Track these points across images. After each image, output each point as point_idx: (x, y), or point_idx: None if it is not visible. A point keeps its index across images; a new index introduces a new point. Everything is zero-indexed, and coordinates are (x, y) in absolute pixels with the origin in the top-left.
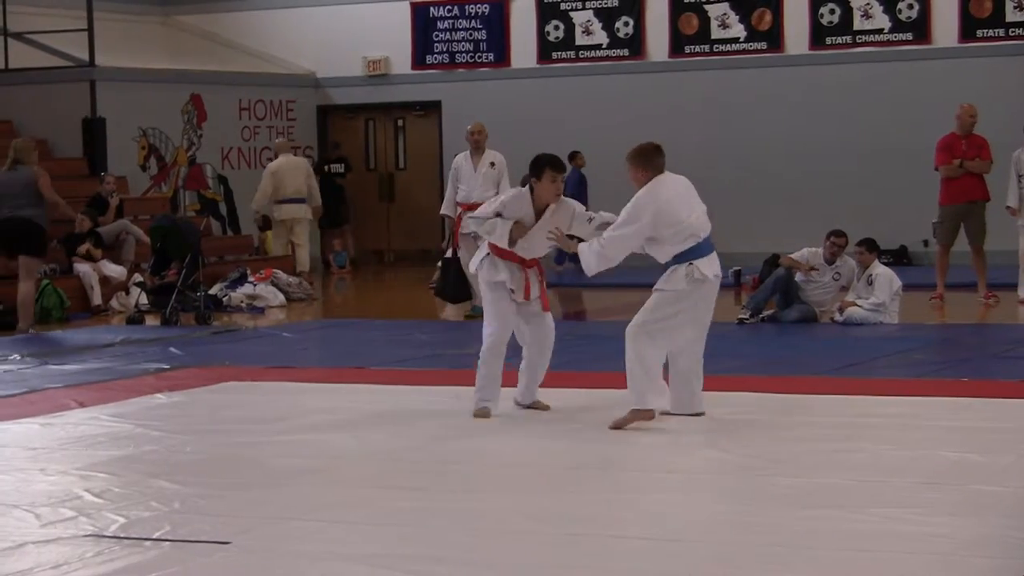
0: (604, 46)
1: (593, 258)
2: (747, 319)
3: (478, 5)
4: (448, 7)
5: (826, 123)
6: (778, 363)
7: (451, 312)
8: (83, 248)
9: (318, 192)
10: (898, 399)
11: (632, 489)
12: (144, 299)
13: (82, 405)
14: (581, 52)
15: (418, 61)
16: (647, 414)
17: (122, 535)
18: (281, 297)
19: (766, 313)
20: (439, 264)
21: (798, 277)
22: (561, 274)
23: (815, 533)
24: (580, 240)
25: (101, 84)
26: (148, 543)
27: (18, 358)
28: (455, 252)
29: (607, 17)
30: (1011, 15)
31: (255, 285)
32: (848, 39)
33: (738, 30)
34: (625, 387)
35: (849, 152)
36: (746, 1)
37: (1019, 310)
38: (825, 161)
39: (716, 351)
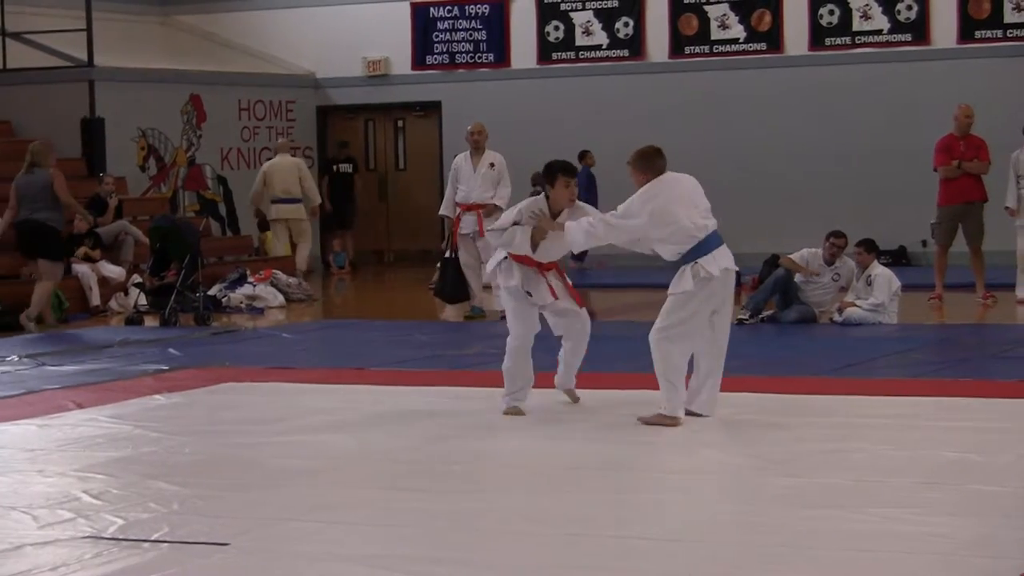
0: (604, 47)
1: (581, 235)
2: (746, 319)
3: (478, 5)
4: (448, 7)
5: (825, 124)
6: (777, 363)
7: (451, 313)
8: (82, 249)
9: (315, 192)
10: (897, 399)
11: (631, 489)
12: (143, 300)
13: (80, 406)
14: (581, 53)
15: (418, 61)
16: (673, 421)
17: (120, 537)
18: (280, 298)
19: (765, 313)
20: (438, 265)
21: (797, 278)
22: (586, 271)
23: (815, 533)
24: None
25: (100, 84)
26: (146, 545)
27: (16, 359)
28: (454, 253)
29: (607, 18)
30: (1009, 16)
31: (254, 286)
32: (847, 40)
33: (738, 31)
34: (629, 388)
35: (848, 153)
36: (746, 2)
37: (1017, 310)
38: (824, 162)
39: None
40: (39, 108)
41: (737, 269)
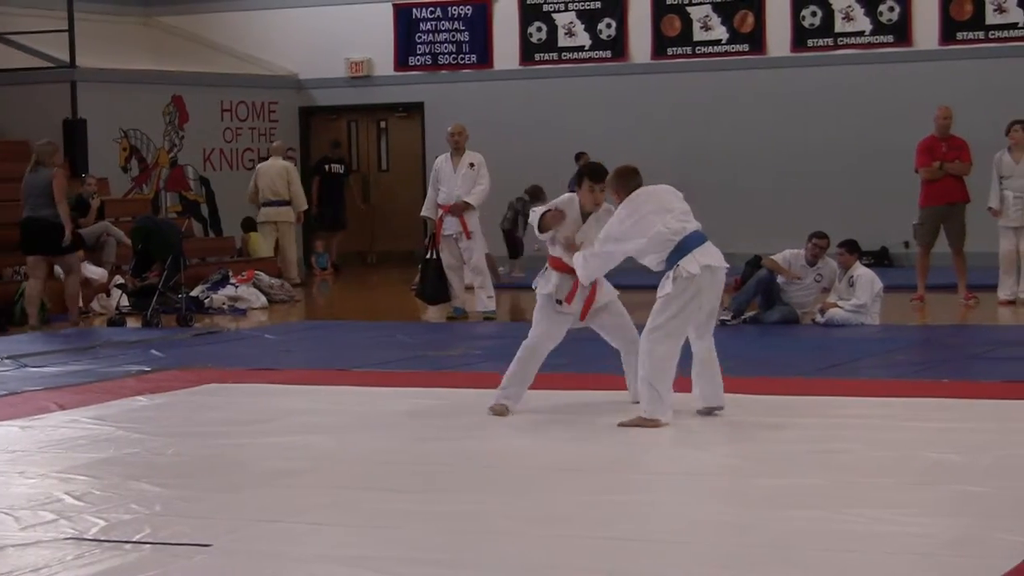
0: (587, 48)
1: (583, 266)
2: (729, 320)
3: (461, 7)
4: (431, 9)
5: (807, 125)
6: (760, 364)
7: (433, 314)
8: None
9: (302, 197)
10: (879, 400)
11: (616, 490)
12: (125, 301)
13: (62, 408)
14: (564, 54)
15: (401, 63)
16: (654, 423)
17: (103, 538)
18: (263, 299)
19: (748, 314)
20: (420, 266)
21: (780, 278)
22: None
23: (798, 533)
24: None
25: (82, 85)
26: (129, 546)
27: None
28: (436, 254)
29: (589, 19)
30: (991, 18)
31: (237, 287)
32: (830, 41)
33: (720, 32)
34: (616, 389)
35: (830, 154)
36: (728, 3)
37: (999, 311)
38: (806, 163)
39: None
40: (21, 109)
41: (726, 266)
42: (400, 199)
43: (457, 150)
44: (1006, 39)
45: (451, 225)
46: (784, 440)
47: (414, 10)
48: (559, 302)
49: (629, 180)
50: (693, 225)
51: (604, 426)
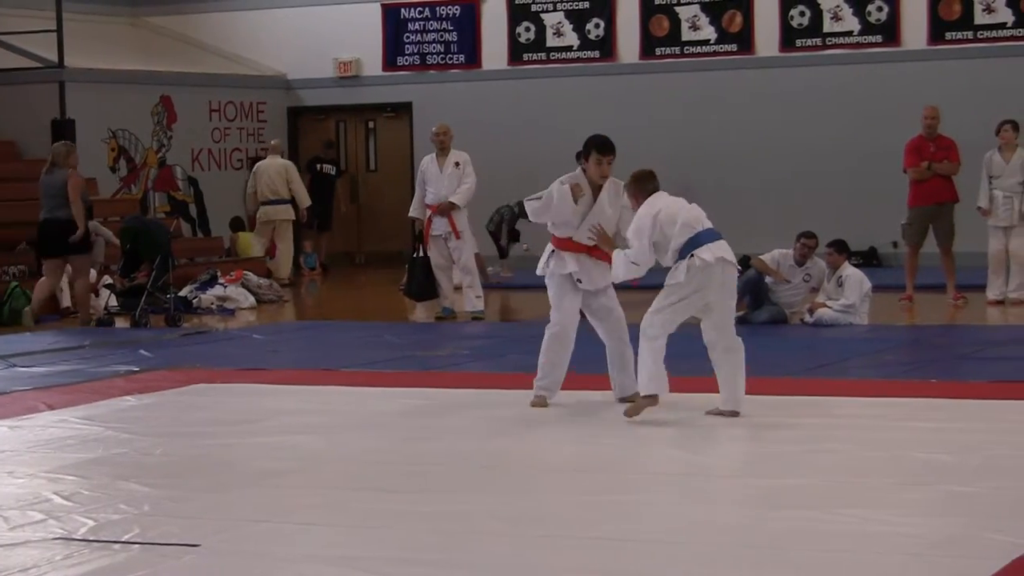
0: (575, 48)
1: (622, 268)
2: None
3: (449, 7)
4: (419, 9)
5: (796, 125)
6: (749, 364)
7: (421, 314)
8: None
9: (304, 195)
10: (868, 400)
11: (605, 491)
12: (114, 301)
13: (51, 407)
14: (552, 54)
15: (389, 63)
16: (652, 400)
17: (91, 538)
18: (251, 299)
19: (736, 314)
20: (407, 266)
21: (768, 279)
22: None
23: (787, 534)
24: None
25: (70, 85)
26: (117, 546)
27: None
28: (425, 252)
29: (578, 19)
30: (980, 18)
31: (225, 287)
32: (818, 41)
33: (708, 32)
34: (607, 390)
35: (819, 154)
36: (717, 3)
37: (988, 311)
38: (795, 163)
39: (686, 352)
40: (9, 109)
41: (738, 266)
42: (388, 199)
43: (443, 150)
44: (995, 39)
45: (440, 225)
46: (773, 440)
47: (402, 10)
48: (579, 280)
49: (647, 184)
50: (708, 223)
51: (593, 427)
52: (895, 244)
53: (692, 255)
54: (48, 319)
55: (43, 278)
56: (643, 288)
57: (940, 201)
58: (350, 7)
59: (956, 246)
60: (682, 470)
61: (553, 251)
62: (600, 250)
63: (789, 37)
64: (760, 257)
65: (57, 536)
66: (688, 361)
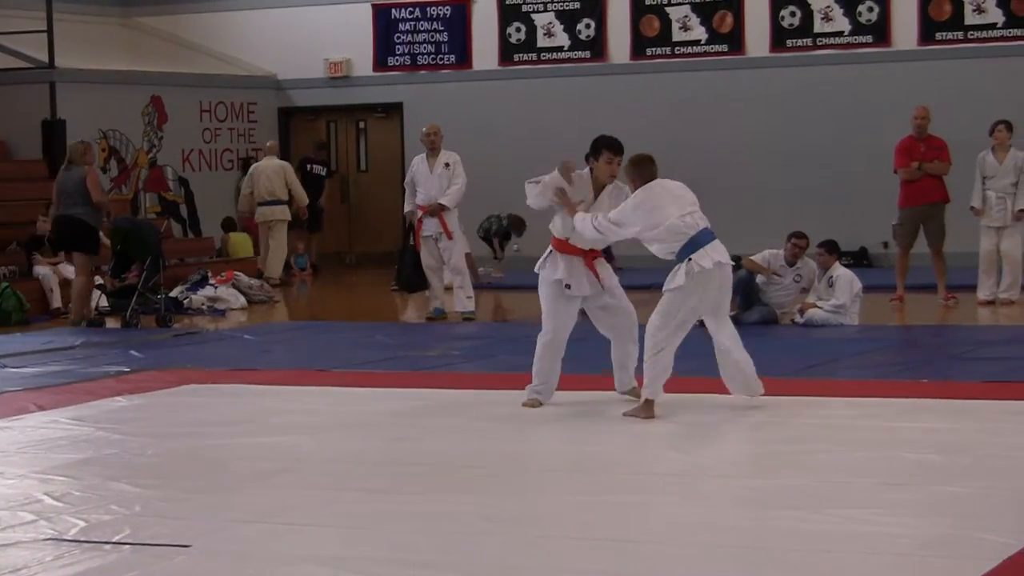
0: (566, 48)
1: (588, 230)
2: None
3: (439, 7)
4: (409, 9)
5: (787, 125)
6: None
7: (412, 315)
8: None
9: (303, 193)
10: (858, 400)
11: (595, 491)
12: (104, 302)
13: (41, 408)
14: (543, 54)
15: (379, 63)
16: (650, 406)
17: (82, 539)
18: (242, 299)
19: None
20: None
21: (759, 279)
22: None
23: (777, 534)
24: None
25: (61, 86)
26: (108, 547)
27: None
28: (413, 240)
29: (568, 19)
30: (970, 18)
31: (216, 287)
32: (808, 41)
33: (699, 32)
34: (601, 390)
35: (810, 154)
36: (707, 3)
37: (978, 311)
38: (786, 163)
39: (686, 352)
40: None
41: (732, 263)
42: (379, 199)
43: (433, 150)
44: (985, 39)
45: (431, 226)
46: (764, 440)
47: (393, 10)
48: (567, 286)
49: (645, 169)
50: (704, 222)
51: (584, 427)
52: (886, 244)
53: (690, 259)
54: (38, 319)
55: (77, 277)
56: (643, 288)
57: (931, 201)
58: (340, 7)
59: (947, 246)
60: (671, 471)
61: (551, 252)
62: (595, 254)
63: (780, 37)
64: (751, 257)
65: (48, 537)
66: (688, 361)
